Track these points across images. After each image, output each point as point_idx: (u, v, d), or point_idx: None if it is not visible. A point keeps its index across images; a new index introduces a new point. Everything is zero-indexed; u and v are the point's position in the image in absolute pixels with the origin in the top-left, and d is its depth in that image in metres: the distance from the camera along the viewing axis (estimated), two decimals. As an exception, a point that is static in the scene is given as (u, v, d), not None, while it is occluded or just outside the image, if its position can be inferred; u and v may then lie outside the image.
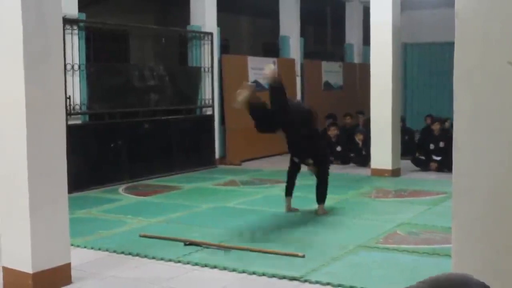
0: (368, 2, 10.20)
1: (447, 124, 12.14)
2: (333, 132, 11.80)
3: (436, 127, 11.01)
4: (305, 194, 8.32)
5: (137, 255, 5.43)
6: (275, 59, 13.41)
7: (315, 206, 7.14)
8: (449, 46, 15.89)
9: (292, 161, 7.16)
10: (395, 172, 9.97)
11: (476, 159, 3.17)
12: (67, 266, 4.68)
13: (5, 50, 4.46)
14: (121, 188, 8.97)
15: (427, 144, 11.00)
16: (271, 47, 14.70)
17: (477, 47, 3.11)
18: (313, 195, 7.16)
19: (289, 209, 7.16)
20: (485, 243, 3.19)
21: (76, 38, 8.68)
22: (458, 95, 3.20)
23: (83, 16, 8.92)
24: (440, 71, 15.92)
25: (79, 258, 5.22)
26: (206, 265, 5.09)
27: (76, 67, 8.65)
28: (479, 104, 3.13)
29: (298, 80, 14.27)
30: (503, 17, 3.06)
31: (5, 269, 4.58)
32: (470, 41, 3.13)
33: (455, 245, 3.31)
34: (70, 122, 8.12)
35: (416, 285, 1.63)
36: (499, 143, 3.12)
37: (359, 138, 11.46)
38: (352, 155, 11.52)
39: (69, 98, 8.39)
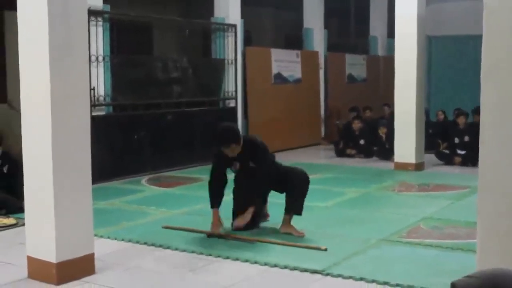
0: (393, -6, 10.12)
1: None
2: (356, 125, 11.75)
3: (461, 120, 10.91)
4: (324, 187, 8.32)
5: (160, 246, 5.46)
6: (298, 51, 13.38)
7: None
8: (475, 39, 15.76)
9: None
10: (419, 166, 9.90)
11: (502, 153, 3.14)
12: (91, 256, 4.72)
13: (30, 42, 4.49)
14: (144, 179, 9.02)
15: (452, 138, 10.92)
16: (294, 39, 14.66)
17: (505, 39, 3.07)
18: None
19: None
20: (510, 238, 3.16)
21: (100, 29, 8.73)
22: (485, 89, 3.16)
23: (107, 8, 8.96)
24: (465, 64, 15.74)
25: (103, 248, 5.25)
26: (228, 257, 5.09)
27: (100, 58, 8.71)
28: (507, 97, 3.09)
29: (321, 72, 14.21)
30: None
31: (29, 259, 4.63)
32: (498, 34, 3.09)
33: (480, 240, 3.28)
34: (94, 113, 8.18)
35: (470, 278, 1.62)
36: (526, 138, 3.08)
37: (382, 131, 11.39)
38: (375, 148, 11.46)
39: (93, 89, 8.45)
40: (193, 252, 5.27)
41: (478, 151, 3.27)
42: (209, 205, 5.84)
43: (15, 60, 4.66)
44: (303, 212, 5.83)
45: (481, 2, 3.19)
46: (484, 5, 3.13)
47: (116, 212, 6.87)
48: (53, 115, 4.40)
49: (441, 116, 13.02)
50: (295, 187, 5.82)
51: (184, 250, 5.32)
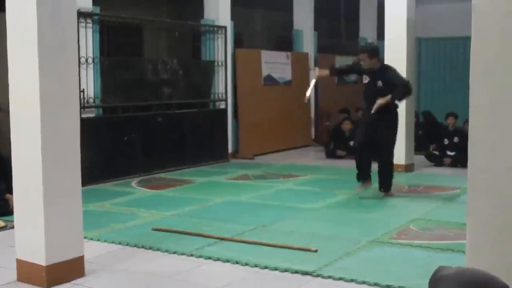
0: (383, -4, 10.15)
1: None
2: (346, 126, 11.76)
3: (451, 121, 10.94)
4: (315, 188, 8.31)
5: (150, 248, 5.44)
6: (288, 53, 13.39)
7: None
8: (464, 40, 15.67)
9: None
10: (409, 167, 9.92)
11: (492, 154, 3.15)
12: (80, 259, 4.70)
13: (20, 43, 4.47)
14: (134, 182, 8.99)
15: (441, 139, 10.95)
16: (284, 40, 14.66)
17: (494, 41, 3.08)
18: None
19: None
20: (500, 240, 3.17)
21: (90, 31, 8.70)
22: (475, 90, 3.17)
23: (97, 10, 8.93)
24: (455, 66, 15.81)
25: (92, 251, 5.24)
26: (218, 259, 5.09)
27: (90, 60, 8.68)
28: (496, 99, 3.10)
29: (312, 74, 14.20)
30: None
31: (18, 261, 4.61)
32: (487, 35, 3.10)
33: (470, 241, 3.29)
34: (83, 115, 8.14)
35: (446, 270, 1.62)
36: (515, 139, 3.09)
37: (372, 132, 11.39)
38: (365, 150, 11.46)
39: (83, 91, 8.41)
40: (183, 254, 5.26)
41: (467, 152, 3.28)
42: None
43: (4, 61, 4.64)
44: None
45: (470, 4, 3.20)
46: (473, 7, 3.14)
47: (106, 215, 6.85)
48: (42, 117, 4.38)
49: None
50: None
51: (174, 252, 5.31)
